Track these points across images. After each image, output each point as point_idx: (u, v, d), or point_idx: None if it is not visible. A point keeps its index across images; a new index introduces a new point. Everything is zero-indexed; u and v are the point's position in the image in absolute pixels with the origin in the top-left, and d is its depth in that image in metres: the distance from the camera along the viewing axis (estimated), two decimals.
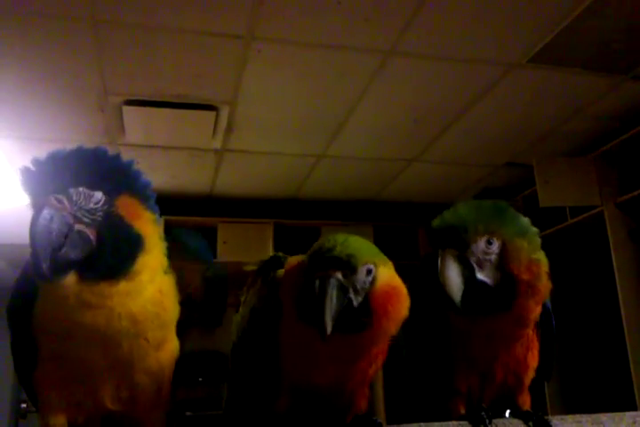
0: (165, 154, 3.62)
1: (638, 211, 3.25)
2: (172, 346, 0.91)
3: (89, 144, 3.14)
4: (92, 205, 0.82)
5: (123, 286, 0.81)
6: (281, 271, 1.01)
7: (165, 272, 0.89)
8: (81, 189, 0.82)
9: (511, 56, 2.76)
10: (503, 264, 0.96)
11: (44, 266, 0.76)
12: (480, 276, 0.96)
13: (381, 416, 3.72)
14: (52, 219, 0.78)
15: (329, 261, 0.88)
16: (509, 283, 0.96)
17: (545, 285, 0.98)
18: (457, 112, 3.27)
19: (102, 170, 0.85)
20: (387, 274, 0.92)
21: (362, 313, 0.88)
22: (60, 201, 0.80)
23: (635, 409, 1.04)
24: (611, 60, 2.82)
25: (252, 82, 2.87)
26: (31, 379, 0.87)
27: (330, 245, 0.89)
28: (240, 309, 1.08)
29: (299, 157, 3.76)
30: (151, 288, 0.85)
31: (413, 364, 1.14)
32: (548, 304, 1.09)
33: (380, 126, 3.43)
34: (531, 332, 1.06)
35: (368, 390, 1.01)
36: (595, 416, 0.99)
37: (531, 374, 1.08)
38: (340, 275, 0.87)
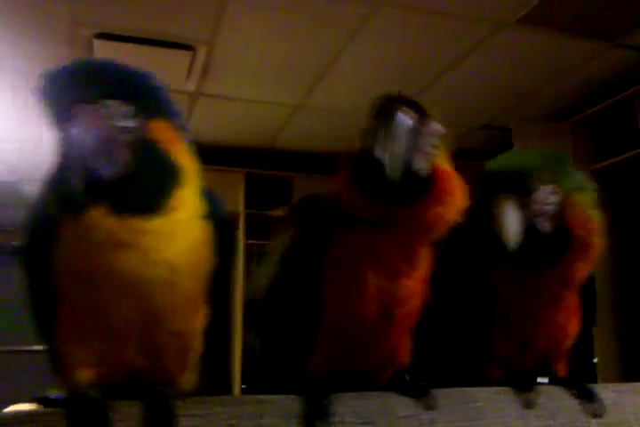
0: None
1: (612, 179, 3.27)
2: (204, 304, 0.81)
3: None
4: (126, 123, 0.71)
5: (158, 222, 0.70)
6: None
7: (202, 217, 0.77)
8: (117, 101, 0.71)
9: (501, 15, 2.69)
10: (560, 217, 0.93)
11: (79, 186, 0.66)
12: (537, 223, 0.92)
13: None
14: (87, 133, 0.67)
15: (401, 101, 0.81)
16: (563, 237, 0.93)
17: (597, 244, 0.95)
18: (441, 69, 3.21)
19: (139, 85, 0.75)
20: (445, 162, 0.85)
21: (423, 179, 0.80)
22: (95, 113, 0.69)
23: None
24: (598, 26, 2.78)
25: (234, 22, 2.74)
26: (51, 333, 0.77)
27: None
28: (268, 257, 0.98)
29: (276, 106, 3.66)
30: (188, 232, 0.75)
31: (448, 325, 1.09)
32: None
33: (360, 78, 3.34)
34: (574, 297, 1.03)
35: (410, 340, 0.94)
36: (634, 386, 0.99)
37: (571, 342, 1.04)
38: (414, 115, 0.80)
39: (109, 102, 0.71)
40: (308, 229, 0.91)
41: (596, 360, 3.11)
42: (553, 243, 0.92)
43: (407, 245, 0.84)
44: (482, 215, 0.94)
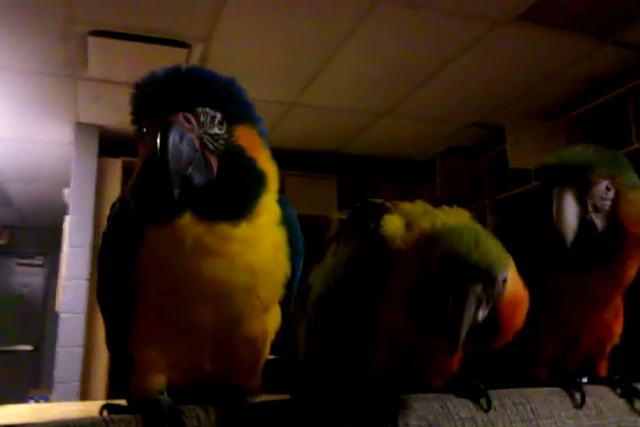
0: (128, 91, 3.41)
1: None
2: (278, 310, 0.82)
3: (48, 75, 2.92)
4: (216, 130, 0.72)
5: (244, 228, 0.71)
6: (387, 221, 0.88)
7: (278, 224, 0.78)
8: (208, 109, 0.72)
9: (499, 12, 2.70)
10: (615, 213, 0.93)
11: (175, 192, 0.66)
12: (593, 218, 0.92)
13: None
14: (182, 140, 0.68)
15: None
16: (617, 233, 0.92)
17: None
18: (436, 67, 3.21)
19: (226, 92, 0.75)
20: (514, 279, 0.81)
21: (489, 325, 0.77)
22: (188, 120, 0.70)
23: None
24: (595, 24, 2.81)
25: (230, 19, 2.71)
26: (124, 339, 0.77)
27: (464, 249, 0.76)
28: (327, 259, 0.97)
29: (270, 104, 3.63)
30: (268, 238, 0.76)
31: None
32: None
33: (356, 76, 3.33)
34: (620, 297, 1.03)
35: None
36: None
37: (615, 341, 1.06)
38: (479, 288, 0.74)
39: (200, 110, 0.71)
40: (367, 248, 0.89)
41: None
42: (607, 240, 0.92)
43: None
44: (535, 212, 0.94)
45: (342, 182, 4.46)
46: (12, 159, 4.46)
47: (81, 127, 3.88)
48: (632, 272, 0.97)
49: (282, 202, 0.79)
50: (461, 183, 4.12)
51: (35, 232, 6.64)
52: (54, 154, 4.36)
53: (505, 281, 0.77)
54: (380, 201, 0.94)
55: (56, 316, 3.78)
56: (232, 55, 3.06)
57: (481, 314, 0.75)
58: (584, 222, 0.91)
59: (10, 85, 3.25)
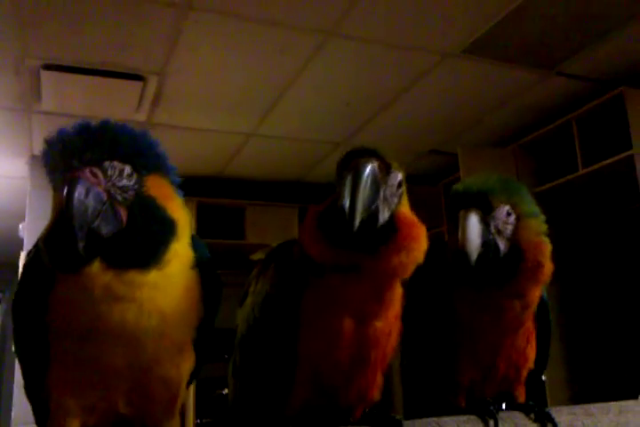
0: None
1: (554, 201, 3.41)
2: (191, 352, 0.84)
3: (1, 110, 2.89)
4: (124, 182, 0.74)
5: (153, 275, 0.73)
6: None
7: (191, 267, 0.80)
8: (115, 162, 0.74)
9: (446, 45, 2.80)
10: (515, 238, 1.00)
11: (80, 246, 0.68)
12: (495, 240, 0.99)
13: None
14: (87, 194, 0.70)
15: (365, 152, 0.86)
16: (517, 257, 0.99)
17: (548, 267, 1.02)
18: (389, 98, 3.29)
19: (134, 145, 0.77)
20: (407, 209, 0.90)
21: (387, 227, 0.84)
22: (95, 175, 0.72)
23: None
24: (539, 56, 2.93)
25: (185, 53, 2.74)
26: (40, 383, 0.78)
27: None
28: (247, 299, 1.00)
29: (227, 135, 3.66)
30: (180, 283, 0.78)
31: (414, 355, 1.13)
32: (545, 296, 1.12)
33: (312, 108, 3.39)
34: (530, 324, 1.08)
35: (382, 378, 0.97)
36: (586, 407, 1.05)
37: (529, 366, 1.11)
38: (376, 164, 0.85)
39: (108, 164, 0.74)
40: (283, 281, 0.94)
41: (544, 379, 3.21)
42: (507, 262, 1.00)
43: (375, 289, 0.88)
44: (442, 238, 1.00)
45: (304, 211, 4.45)
46: None
47: (35, 160, 3.83)
48: (534, 294, 1.04)
49: (195, 245, 0.83)
50: (417, 210, 4.17)
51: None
52: (9, 188, 4.28)
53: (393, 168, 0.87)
54: (293, 239, 0.99)
55: (14, 356, 3.66)
56: (188, 88, 3.09)
57: (379, 200, 0.82)
58: (487, 242, 0.99)
59: None
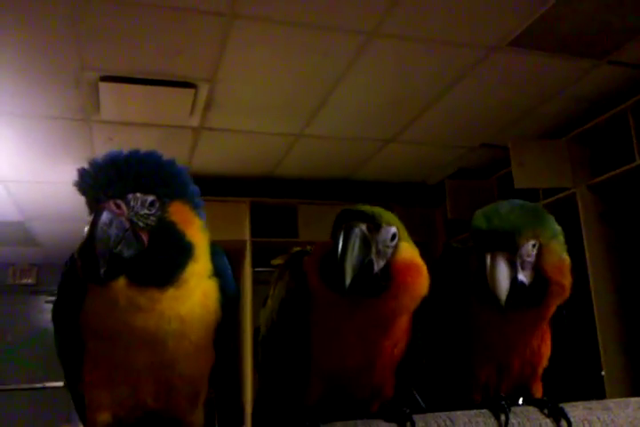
0: (141, 131, 3.56)
1: (609, 193, 3.33)
2: (211, 350, 0.92)
3: (62, 120, 3.06)
4: (146, 211, 0.83)
5: (171, 292, 0.82)
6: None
7: (209, 277, 0.89)
8: (138, 194, 0.82)
9: (492, 39, 2.77)
10: (539, 265, 1.01)
11: (101, 270, 0.77)
12: (521, 277, 1.00)
13: None
14: (110, 224, 0.78)
15: (354, 215, 0.92)
16: (542, 282, 1.01)
17: (569, 282, 1.03)
18: (436, 94, 3.29)
19: (159, 175, 0.85)
20: (409, 247, 0.96)
21: (382, 277, 0.90)
22: (118, 206, 0.81)
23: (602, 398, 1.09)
24: (588, 45, 2.86)
25: (233, 60, 2.83)
26: (78, 379, 0.88)
27: (357, 206, 0.94)
28: (268, 301, 1.09)
29: (277, 136, 3.74)
30: (198, 292, 0.86)
31: (432, 354, 1.17)
32: None
33: (359, 107, 3.43)
34: (546, 326, 1.10)
35: (394, 377, 1.04)
36: (604, 403, 1.05)
37: (544, 363, 1.12)
38: (364, 227, 0.90)
39: (131, 196, 0.82)
40: (295, 288, 1.02)
41: (603, 373, 3.14)
42: (533, 289, 1.01)
43: (377, 323, 0.95)
44: (463, 262, 1.02)
45: None
46: (36, 201, 4.62)
47: None
48: (554, 309, 1.06)
49: (215, 253, 0.91)
50: (471, 205, 4.14)
51: (61, 270, 6.78)
52: (75, 194, 4.50)
53: (395, 237, 0.93)
54: (309, 248, 1.06)
55: None
56: (238, 93, 3.18)
57: (369, 260, 0.90)
58: (514, 281, 0.99)
59: (30, 131, 3.41)
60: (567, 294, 1.03)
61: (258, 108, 3.35)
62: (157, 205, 0.83)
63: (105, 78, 2.92)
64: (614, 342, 3.16)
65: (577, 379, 3.33)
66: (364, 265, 0.90)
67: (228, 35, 2.61)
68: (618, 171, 3.19)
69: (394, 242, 0.94)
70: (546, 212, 1.07)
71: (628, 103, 3.15)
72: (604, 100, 3.34)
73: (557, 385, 1.18)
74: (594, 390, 3.14)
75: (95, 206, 0.80)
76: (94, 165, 0.83)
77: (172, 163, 0.89)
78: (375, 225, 0.92)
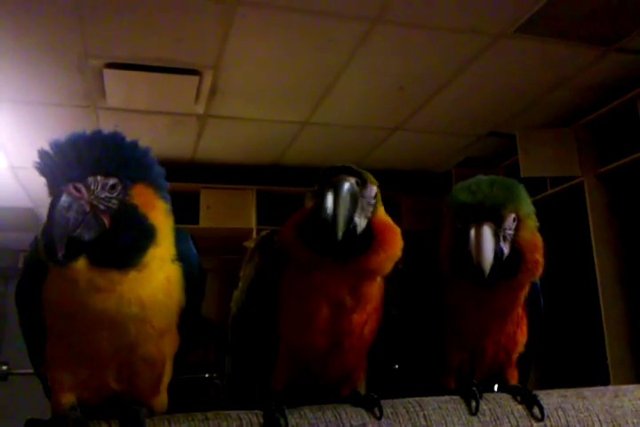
0: (147, 119, 3.57)
1: (617, 182, 3.30)
2: (174, 335, 0.92)
3: (68, 107, 3.08)
4: (107, 194, 0.82)
5: (132, 274, 0.81)
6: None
7: (173, 261, 0.88)
8: (99, 177, 0.81)
9: (498, 26, 2.74)
10: (515, 239, 1.02)
11: (60, 253, 0.76)
12: (504, 249, 1.01)
13: None
14: (69, 207, 0.77)
15: (341, 170, 0.93)
16: (517, 258, 1.02)
17: (542, 259, 1.04)
18: (442, 81, 3.26)
19: (120, 158, 0.84)
20: (384, 210, 0.98)
21: (364, 235, 0.92)
22: (78, 189, 0.79)
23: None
24: (596, 32, 2.82)
25: (237, 47, 2.82)
26: (40, 361, 0.89)
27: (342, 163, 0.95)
28: (239, 284, 1.09)
29: (283, 124, 3.73)
30: (160, 277, 0.86)
31: (404, 339, 1.17)
32: (537, 283, 1.13)
33: (365, 94, 3.41)
34: (520, 309, 1.10)
35: (365, 360, 1.03)
36: (579, 391, 1.04)
37: (519, 350, 1.12)
38: (353, 180, 0.92)
39: (92, 179, 0.81)
40: (263, 267, 1.03)
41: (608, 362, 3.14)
42: (508, 264, 1.01)
43: (352, 285, 0.95)
44: (435, 240, 1.03)
45: None
46: (42, 187, 4.66)
47: None
48: (526, 288, 1.07)
49: (180, 237, 0.90)
50: None
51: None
52: None
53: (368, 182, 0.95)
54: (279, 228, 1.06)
55: None
56: (242, 80, 3.17)
57: (357, 212, 0.91)
58: (497, 253, 1.00)
59: (36, 118, 3.43)
60: (540, 270, 1.03)
61: (263, 95, 3.34)
62: (119, 187, 0.82)
63: (109, 65, 2.92)
64: (620, 331, 3.15)
65: (581, 366, 3.34)
66: (350, 222, 0.90)
67: (231, 21, 2.60)
68: (626, 160, 3.16)
69: (374, 201, 0.95)
70: (523, 188, 1.08)
71: (636, 91, 3.11)
72: (613, 89, 3.30)
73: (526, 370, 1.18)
74: (598, 377, 3.14)
75: (55, 189, 0.79)
76: (55, 146, 0.81)
77: (134, 145, 0.87)
78: (362, 180, 0.93)
